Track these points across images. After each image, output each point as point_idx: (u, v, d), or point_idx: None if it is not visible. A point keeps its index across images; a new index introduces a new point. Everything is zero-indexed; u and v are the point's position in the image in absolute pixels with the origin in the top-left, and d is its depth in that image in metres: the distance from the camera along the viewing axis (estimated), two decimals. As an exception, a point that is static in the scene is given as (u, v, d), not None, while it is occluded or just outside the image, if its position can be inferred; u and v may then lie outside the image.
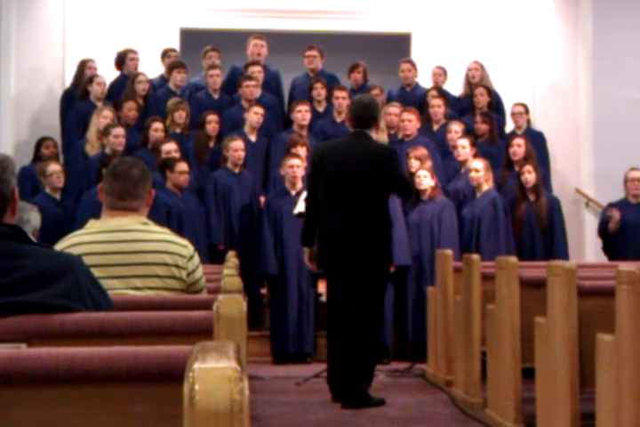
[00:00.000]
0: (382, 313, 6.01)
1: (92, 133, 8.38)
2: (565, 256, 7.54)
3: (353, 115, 5.85)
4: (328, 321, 5.85)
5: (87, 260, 3.01)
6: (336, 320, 5.74)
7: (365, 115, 5.82)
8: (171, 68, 9.10)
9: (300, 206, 6.12)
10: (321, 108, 8.89)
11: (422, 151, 7.71)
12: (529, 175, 7.59)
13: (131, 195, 3.30)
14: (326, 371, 5.80)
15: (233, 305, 2.12)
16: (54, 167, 7.82)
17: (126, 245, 3.20)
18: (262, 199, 7.94)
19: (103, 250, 3.17)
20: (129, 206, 3.30)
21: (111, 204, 3.31)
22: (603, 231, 7.87)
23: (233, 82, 9.14)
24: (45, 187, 7.85)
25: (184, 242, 3.33)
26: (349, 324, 5.74)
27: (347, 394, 5.63)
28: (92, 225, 3.29)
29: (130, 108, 8.67)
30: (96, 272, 2.99)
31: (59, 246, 3.20)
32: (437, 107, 8.72)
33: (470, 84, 9.29)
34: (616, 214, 7.66)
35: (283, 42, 10.08)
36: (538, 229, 7.65)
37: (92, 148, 8.35)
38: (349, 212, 5.63)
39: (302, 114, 8.34)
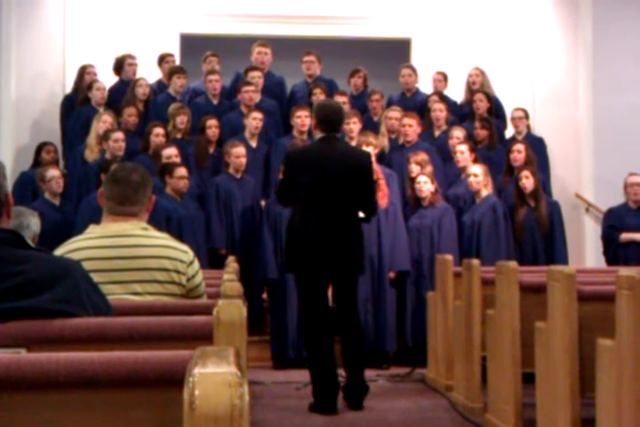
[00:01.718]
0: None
1: (91, 139, 8.39)
2: (565, 261, 7.54)
3: (324, 118, 5.74)
4: (307, 328, 5.73)
5: (87, 265, 3.01)
6: (318, 325, 5.65)
7: (337, 119, 5.80)
8: (170, 74, 9.11)
9: None
10: (321, 113, 8.88)
11: (423, 156, 7.71)
12: (526, 181, 7.60)
13: (130, 200, 3.30)
14: (311, 382, 5.70)
15: (233, 310, 2.12)
16: (53, 173, 7.81)
17: (126, 250, 3.20)
18: (263, 203, 7.94)
19: (103, 255, 3.18)
20: (129, 212, 3.30)
21: (111, 209, 3.31)
22: (607, 236, 7.85)
23: (236, 87, 9.14)
24: (45, 192, 7.85)
25: (184, 247, 3.33)
26: (331, 327, 5.72)
27: (353, 394, 5.67)
28: (93, 230, 3.30)
29: (130, 114, 8.68)
30: (96, 277, 2.99)
31: (59, 251, 3.20)
32: (439, 111, 8.72)
33: (471, 91, 9.29)
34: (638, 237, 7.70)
35: (283, 47, 10.09)
36: (539, 235, 7.65)
37: (91, 152, 8.35)
38: (330, 217, 5.62)
39: (302, 119, 8.35)
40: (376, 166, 6.70)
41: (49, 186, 7.78)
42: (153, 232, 3.31)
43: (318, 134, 5.88)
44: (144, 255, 3.20)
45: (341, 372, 5.88)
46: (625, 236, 7.70)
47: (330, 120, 5.74)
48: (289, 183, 5.74)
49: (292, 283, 7.42)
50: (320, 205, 5.62)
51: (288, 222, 5.88)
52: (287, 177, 5.78)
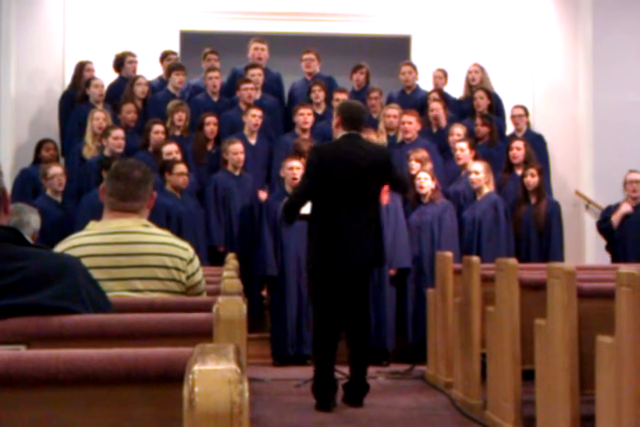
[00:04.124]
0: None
1: (88, 137, 8.41)
2: (560, 260, 7.52)
3: (349, 116, 5.80)
4: (317, 324, 5.74)
5: (87, 261, 3.01)
6: (329, 323, 5.67)
7: (361, 117, 5.89)
8: (169, 71, 9.11)
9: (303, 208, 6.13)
10: (320, 111, 8.89)
11: (423, 153, 7.71)
12: (531, 179, 7.60)
13: (132, 196, 3.30)
14: (313, 379, 5.71)
15: (233, 307, 2.12)
16: (56, 170, 7.82)
17: (127, 247, 3.19)
18: (262, 195, 7.91)
19: (103, 252, 3.17)
20: (130, 208, 3.30)
21: (113, 205, 3.31)
22: (604, 230, 7.83)
23: (234, 84, 9.14)
24: (47, 189, 7.85)
25: (184, 245, 3.32)
26: (340, 326, 5.74)
27: (354, 392, 5.68)
28: (93, 226, 3.29)
29: (129, 111, 8.68)
30: (96, 274, 2.98)
31: (59, 248, 3.20)
32: (438, 109, 8.73)
33: (471, 87, 9.29)
34: (627, 207, 7.65)
35: (283, 44, 10.08)
36: (535, 232, 7.66)
37: (88, 150, 8.37)
38: (358, 213, 5.64)
39: (304, 117, 8.35)
40: None
41: (51, 183, 7.78)
42: (154, 229, 3.31)
43: (341, 132, 5.87)
44: (144, 252, 3.20)
45: (344, 369, 5.89)
46: (614, 217, 7.67)
47: (354, 118, 5.80)
48: (311, 180, 5.67)
49: (291, 280, 7.42)
50: (345, 204, 5.64)
51: (309, 227, 5.84)
52: (311, 173, 5.71)
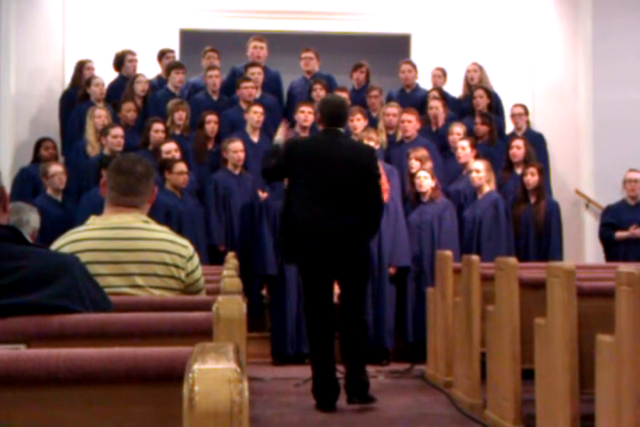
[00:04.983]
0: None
1: (89, 135, 8.41)
2: (559, 260, 7.52)
3: (328, 113, 5.72)
4: (310, 324, 5.68)
5: (87, 256, 3.02)
6: (320, 322, 5.61)
7: (341, 113, 5.79)
8: (169, 69, 9.11)
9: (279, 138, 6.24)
10: (321, 109, 8.88)
11: (422, 152, 7.71)
12: (531, 177, 7.61)
13: (134, 191, 3.30)
14: (312, 378, 5.67)
15: (233, 306, 2.12)
16: (56, 168, 7.82)
17: (127, 242, 3.19)
18: (261, 194, 7.89)
19: (104, 247, 3.17)
20: (132, 203, 3.30)
21: (114, 199, 3.31)
22: (606, 239, 7.83)
23: (233, 83, 9.15)
24: (47, 188, 7.85)
25: (184, 242, 3.32)
26: (334, 323, 5.69)
27: (352, 388, 5.62)
28: (93, 221, 3.30)
29: (128, 109, 8.68)
30: (97, 269, 2.99)
31: (59, 242, 3.20)
32: (437, 108, 8.73)
33: (470, 86, 9.29)
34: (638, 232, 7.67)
35: (282, 43, 10.08)
36: (533, 232, 7.66)
37: (92, 148, 8.37)
38: (342, 210, 5.55)
39: (305, 115, 8.34)
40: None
41: (51, 182, 7.78)
42: (154, 225, 3.31)
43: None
44: (144, 248, 3.20)
45: (341, 368, 5.87)
46: (619, 234, 7.71)
47: (333, 114, 5.73)
48: (283, 168, 5.70)
49: (291, 279, 7.42)
50: (324, 199, 5.55)
51: (282, 211, 5.78)
52: (284, 164, 5.69)
